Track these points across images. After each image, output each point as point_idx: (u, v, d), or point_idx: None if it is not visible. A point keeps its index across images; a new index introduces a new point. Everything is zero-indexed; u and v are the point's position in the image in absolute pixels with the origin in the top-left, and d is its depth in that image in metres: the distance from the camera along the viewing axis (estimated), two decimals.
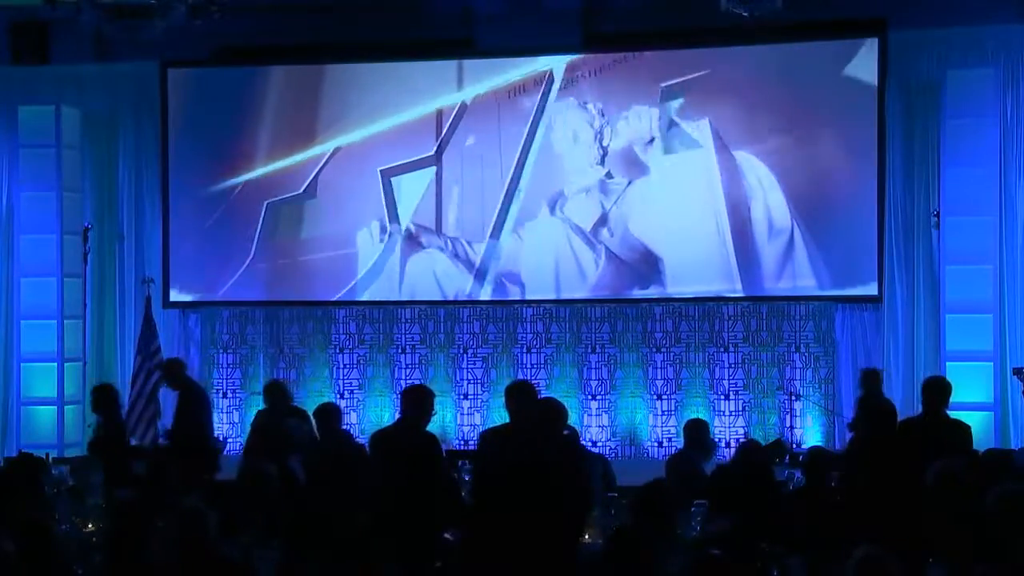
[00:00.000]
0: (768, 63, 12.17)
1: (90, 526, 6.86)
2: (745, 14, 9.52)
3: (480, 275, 12.70)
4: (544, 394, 12.06)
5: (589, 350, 12.58)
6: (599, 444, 12.20)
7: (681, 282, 12.36)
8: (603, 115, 12.50)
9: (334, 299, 12.97)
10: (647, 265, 12.41)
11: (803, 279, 12.12)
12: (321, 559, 5.33)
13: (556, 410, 7.05)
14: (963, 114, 11.47)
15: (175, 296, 13.07)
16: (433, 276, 12.80)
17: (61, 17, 11.00)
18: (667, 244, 12.36)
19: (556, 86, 12.56)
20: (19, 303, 13.00)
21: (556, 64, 12.57)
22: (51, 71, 13.25)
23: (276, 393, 10.12)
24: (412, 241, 12.82)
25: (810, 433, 11.97)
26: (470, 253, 12.74)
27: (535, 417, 7.06)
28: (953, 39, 11.77)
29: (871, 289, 11.94)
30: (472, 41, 12.63)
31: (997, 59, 11.73)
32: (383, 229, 12.82)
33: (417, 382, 12.58)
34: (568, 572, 5.73)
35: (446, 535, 6.70)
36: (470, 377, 12.73)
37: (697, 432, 8.47)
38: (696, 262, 12.31)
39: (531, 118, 12.61)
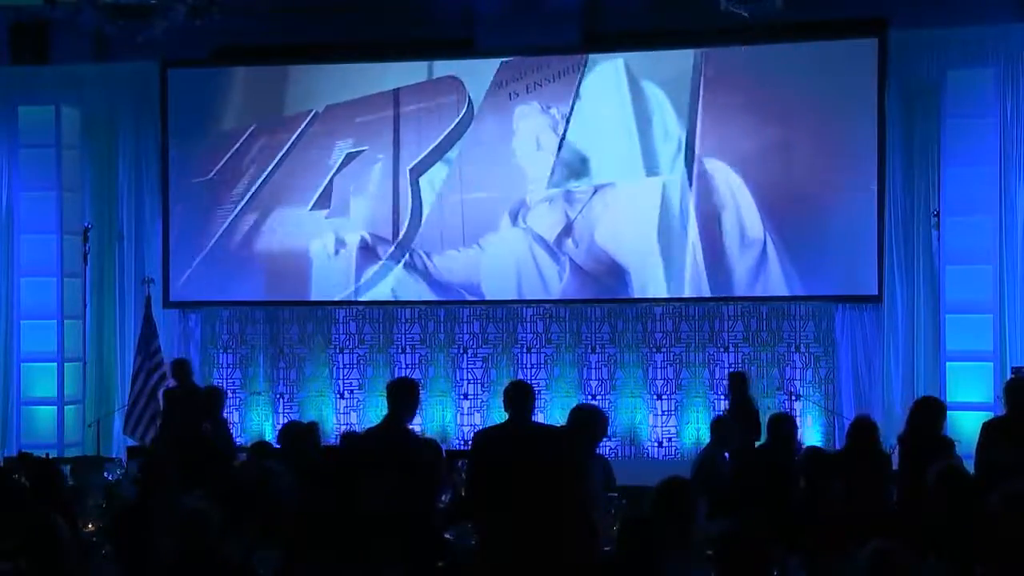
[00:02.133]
0: (766, 63, 12.16)
1: (90, 526, 6.86)
2: (745, 14, 9.53)
3: (438, 287, 12.64)
4: (544, 394, 12.16)
5: (589, 350, 12.58)
6: (599, 444, 12.17)
7: (648, 295, 12.32)
8: (568, 120, 12.44)
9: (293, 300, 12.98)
10: (613, 276, 12.34)
11: (776, 293, 12.13)
12: (322, 560, 5.32)
13: (589, 418, 7.00)
14: (963, 114, 11.47)
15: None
16: (389, 289, 12.72)
17: (61, 17, 11.01)
18: (634, 255, 12.29)
19: (522, 91, 12.51)
20: (19, 303, 13.00)
21: (525, 66, 12.50)
22: (51, 71, 13.24)
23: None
24: (367, 252, 12.76)
25: (810, 433, 11.97)
26: (428, 265, 12.69)
27: (530, 416, 7.08)
28: (953, 39, 11.76)
29: (871, 289, 11.94)
30: (472, 41, 12.62)
31: (997, 59, 11.73)
32: (338, 241, 12.77)
33: (418, 382, 12.62)
34: (578, 570, 5.72)
35: (447, 535, 6.70)
36: (470, 377, 12.73)
37: (724, 431, 8.64)
38: (666, 273, 12.27)
39: (494, 123, 12.55)
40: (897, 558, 4.48)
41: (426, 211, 12.64)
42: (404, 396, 7.29)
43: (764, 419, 11.36)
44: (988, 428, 8.11)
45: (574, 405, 7.63)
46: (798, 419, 11.97)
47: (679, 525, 5.47)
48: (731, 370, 11.59)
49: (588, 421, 6.88)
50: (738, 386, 10.73)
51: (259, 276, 12.97)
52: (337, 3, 12.63)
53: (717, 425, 8.83)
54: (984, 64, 11.67)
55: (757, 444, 9.74)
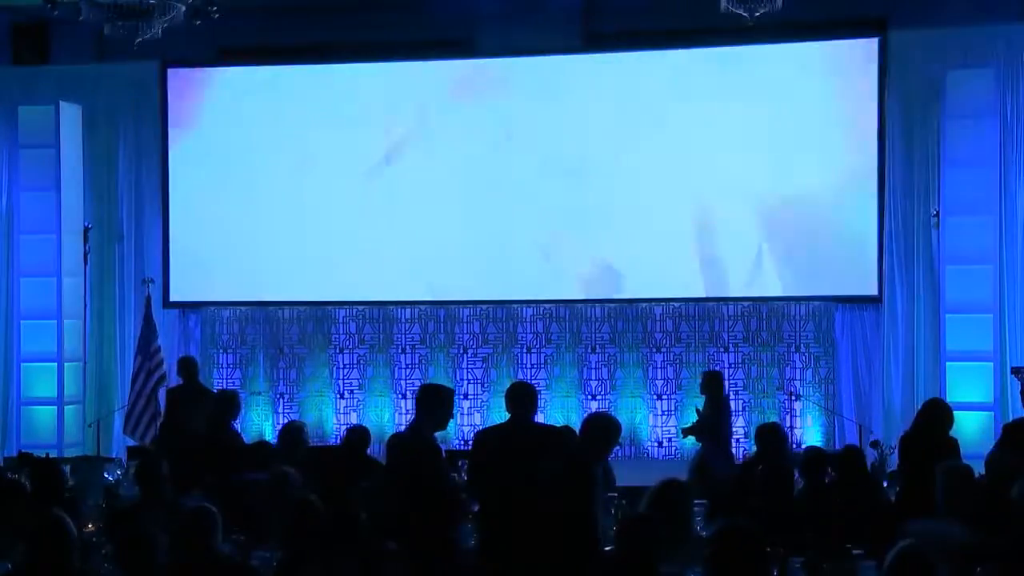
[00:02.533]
0: (766, 63, 12.17)
1: (90, 526, 6.85)
2: (745, 14, 9.53)
3: (436, 290, 12.64)
4: (544, 394, 12.16)
5: (589, 350, 12.58)
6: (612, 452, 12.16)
7: (647, 295, 12.35)
8: (564, 121, 12.40)
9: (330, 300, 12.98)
10: (610, 277, 12.33)
11: (775, 293, 12.14)
12: (322, 559, 5.33)
13: (604, 427, 6.97)
14: (963, 114, 11.46)
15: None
16: (386, 290, 12.72)
17: (61, 17, 11.01)
18: (633, 255, 12.27)
19: (519, 90, 12.52)
20: (19, 303, 13.00)
21: (522, 66, 12.51)
22: (51, 71, 13.27)
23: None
24: (359, 252, 12.74)
25: (810, 433, 11.98)
26: (424, 268, 12.63)
27: (532, 417, 7.08)
28: (953, 39, 11.76)
29: (871, 289, 11.95)
30: (472, 41, 12.63)
31: (997, 59, 11.73)
32: (331, 241, 12.78)
33: (418, 382, 12.66)
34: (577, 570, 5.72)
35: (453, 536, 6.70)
36: (470, 377, 12.72)
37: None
38: (665, 273, 12.25)
39: (491, 123, 12.54)
40: (923, 559, 4.46)
41: (422, 213, 12.64)
42: (423, 401, 7.14)
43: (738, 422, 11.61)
44: (1008, 429, 8.11)
45: (588, 413, 7.60)
46: (798, 419, 12.01)
47: (676, 526, 5.48)
48: (705, 370, 11.47)
49: (603, 429, 6.85)
50: (714, 386, 10.42)
51: (253, 275, 13.00)
52: (337, 3, 12.64)
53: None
54: (984, 64, 11.66)
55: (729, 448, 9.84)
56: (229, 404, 9.28)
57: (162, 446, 10.46)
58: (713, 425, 10.11)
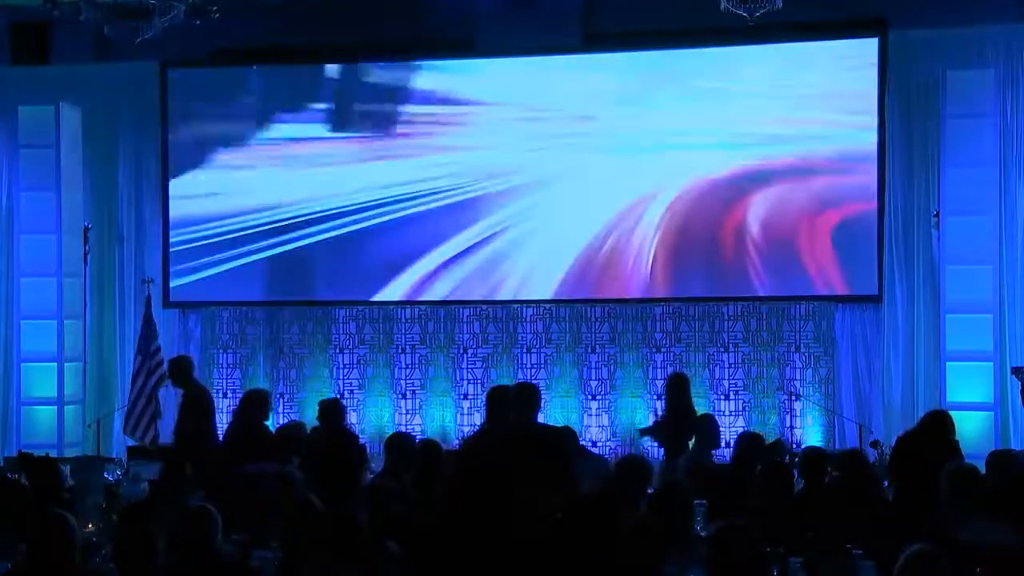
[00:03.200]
0: (765, 63, 12.17)
1: (90, 526, 6.86)
2: (745, 14, 9.54)
3: (437, 288, 12.71)
4: (544, 394, 12.12)
5: (589, 350, 12.57)
6: (599, 444, 12.19)
7: (648, 295, 12.35)
8: (561, 121, 12.44)
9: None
10: (612, 277, 12.34)
11: (775, 293, 12.15)
12: (321, 559, 5.33)
13: (639, 471, 6.95)
14: (963, 114, 11.45)
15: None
16: (388, 290, 12.80)
17: (61, 17, 11.02)
18: (633, 254, 12.27)
19: (518, 90, 12.56)
20: (19, 303, 13.00)
21: (523, 66, 12.56)
22: (51, 71, 13.27)
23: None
24: (357, 251, 12.88)
25: (810, 433, 11.97)
26: (424, 267, 12.69)
27: (534, 418, 7.09)
28: (953, 39, 11.77)
29: (871, 289, 11.95)
30: (472, 41, 12.63)
31: (997, 59, 11.74)
32: (331, 240, 12.87)
33: (418, 382, 12.66)
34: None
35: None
36: (470, 377, 12.71)
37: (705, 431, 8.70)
38: (665, 273, 12.27)
39: (492, 123, 12.60)
40: (936, 562, 4.46)
41: (420, 212, 12.65)
42: (495, 403, 7.08)
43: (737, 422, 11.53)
44: None
45: (624, 456, 7.57)
46: (798, 419, 12.01)
47: (676, 526, 5.48)
48: (672, 371, 11.29)
49: (637, 474, 6.85)
50: (676, 388, 10.18)
51: (254, 275, 13.03)
52: (337, 3, 12.64)
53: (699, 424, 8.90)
54: (984, 64, 11.67)
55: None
56: (262, 403, 9.29)
57: (183, 450, 10.25)
58: (668, 425, 10.04)
